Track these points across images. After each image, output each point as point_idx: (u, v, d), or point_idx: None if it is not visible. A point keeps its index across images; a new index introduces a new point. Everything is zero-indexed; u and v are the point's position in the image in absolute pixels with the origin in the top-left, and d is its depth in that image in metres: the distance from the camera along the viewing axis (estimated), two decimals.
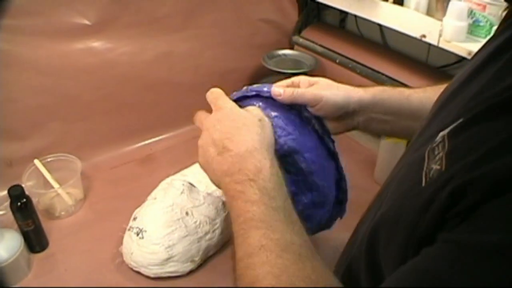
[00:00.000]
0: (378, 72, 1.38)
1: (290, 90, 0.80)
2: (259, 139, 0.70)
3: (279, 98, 0.80)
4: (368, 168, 1.33)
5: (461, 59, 1.28)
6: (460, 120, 0.45)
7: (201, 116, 0.78)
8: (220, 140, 0.70)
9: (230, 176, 0.66)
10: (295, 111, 0.81)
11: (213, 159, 0.70)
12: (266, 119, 0.76)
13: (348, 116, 0.84)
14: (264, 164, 0.66)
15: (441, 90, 0.84)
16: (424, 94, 0.83)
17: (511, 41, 0.51)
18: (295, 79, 0.85)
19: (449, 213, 0.38)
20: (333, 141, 0.87)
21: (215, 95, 0.78)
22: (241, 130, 0.70)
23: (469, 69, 0.56)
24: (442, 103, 0.59)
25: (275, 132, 0.76)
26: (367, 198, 1.26)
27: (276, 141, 0.75)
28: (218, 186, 0.71)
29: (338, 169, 0.87)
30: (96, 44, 1.28)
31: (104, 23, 1.27)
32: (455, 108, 0.51)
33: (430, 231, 0.40)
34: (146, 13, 1.34)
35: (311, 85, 0.83)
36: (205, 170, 0.75)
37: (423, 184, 0.44)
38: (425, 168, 0.45)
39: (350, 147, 1.41)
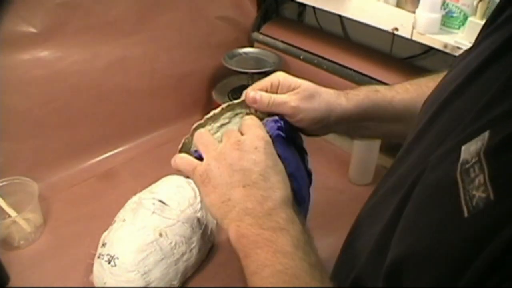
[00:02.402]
0: (346, 68, 1.34)
1: (266, 98, 0.73)
2: (291, 194, 0.64)
3: (254, 106, 0.73)
4: (342, 168, 1.30)
5: (428, 49, 1.26)
6: (488, 134, 0.40)
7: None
8: (253, 171, 0.63)
9: (254, 218, 0.60)
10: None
11: (231, 185, 0.63)
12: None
13: (327, 125, 0.78)
14: (294, 216, 0.61)
15: (422, 85, 0.81)
16: (408, 96, 0.79)
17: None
18: (274, 79, 0.76)
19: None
20: (306, 153, 0.82)
21: (254, 122, 0.69)
22: (278, 176, 0.64)
23: (466, 71, 0.53)
24: (439, 108, 0.55)
25: None
26: (342, 199, 1.24)
27: None
28: (220, 216, 0.63)
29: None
30: (44, 53, 1.19)
31: (51, 30, 1.17)
32: (462, 115, 0.47)
33: (482, 273, 0.35)
34: (96, 16, 1.25)
35: (291, 90, 0.75)
36: (203, 183, 0.65)
37: (466, 214, 0.38)
38: (462, 195, 0.39)
39: (322, 148, 1.37)
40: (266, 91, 0.75)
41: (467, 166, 0.40)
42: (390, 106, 0.78)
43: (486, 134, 0.40)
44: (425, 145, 0.53)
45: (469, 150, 0.41)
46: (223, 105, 0.74)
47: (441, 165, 0.45)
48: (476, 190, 0.38)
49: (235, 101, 0.75)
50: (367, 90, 0.79)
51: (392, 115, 0.78)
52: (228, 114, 0.75)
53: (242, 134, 0.67)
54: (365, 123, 0.79)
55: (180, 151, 0.75)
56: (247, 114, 0.75)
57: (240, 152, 0.64)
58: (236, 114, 0.76)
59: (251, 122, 0.68)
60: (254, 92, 0.73)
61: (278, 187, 0.62)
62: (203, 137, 0.69)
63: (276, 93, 0.75)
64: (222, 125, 0.75)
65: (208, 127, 0.74)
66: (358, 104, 0.77)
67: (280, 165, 0.66)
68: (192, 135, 0.74)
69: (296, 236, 0.58)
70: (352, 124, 0.79)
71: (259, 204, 0.60)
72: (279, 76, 0.76)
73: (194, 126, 0.74)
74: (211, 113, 0.74)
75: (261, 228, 0.59)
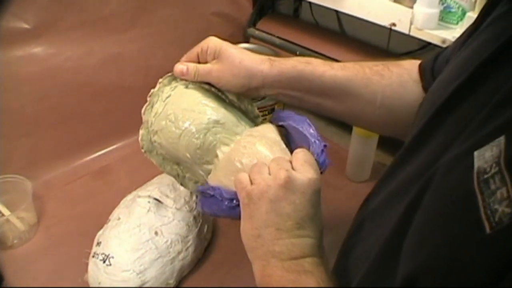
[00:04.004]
0: None
1: (192, 70, 0.78)
2: (321, 240, 0.64)
3: (183, 77, 0.80)
4: (339, 164, 1.28)
5: (425, 45, 1.24)
6: (504, 139, 0.38)
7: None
8: (290, 217, 0.61)
9: (280, 261, 0.60)
10: None
11: (265, 223, 0.62)
12: None
13: (250, 89, 0.79)
14: (319, 260, 0.61)
15: (365, 66, 0.81)
16: (342, 73, 0.79)
17: None
18: (204, 45, 0.80)
19: None
20: None
21: (308, 157, 0.67)
22: (314, 225, 0.63)
23: (466, 70, 0.51)
24: (441, 109, 0.53)
25: None
26: (339, 196, 1.23)
27: None
28: (247, 247, 0.64)
29: None
30: (37, 49, 1.17)
31: (44, 26, 1.15)
32: (469, 116, 0.45)
33: None
34: (90, 12, 1.23)
35: (217, 56, 0.78)
36: (244, 205, 0.65)
37: (488, 230, 0.35)
38: (482, 208, 0.36)
39: None
40: (198, 56, 0.80)
41: (485, 176, 0.38)
42: (319, 80, 0.78)
43: (501, 140, 0.38)
44: (430, 148, 0.52)
45: (484, 157, 0.39)
46: (160, 80, 0.83)
47: (453, 172, 0.43)
48: (499, 204, 0.36)
49: (169, 74, 0.84)
50: (298, 60, 0.80)
51: (319, 89, 0.79)
52: (167, 88, 0.82)
53: (292, 165, 0.65)
54: (291, 92, 0.80)
55: (143, 147, 0.86)
56: (185, 85, 0.82)
57: (285, 191, 0.61)
58: (176, 87, 0.82)
59: (305, 158, 0.66)
60: (181, 66, 0.80)
61: (310, 236, 0.62)
62: (256, 166, 0.67)
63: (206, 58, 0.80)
64: (167, 98, 0.81)
65: (156, 106, 0.82)
66: (281, 72, 0.77)
67: (320, 213, 0.64)
68: (146, 121, 0.84)
69: (320, 277, 0.58)
70: (277, 91, 0.80)
71: (288, 251, 0.60)
72: (209, 42, 0.80)
73: (143, 110, 0.84)
74: (151, 92, 0.84)
75: (286, 271, 0.59)
